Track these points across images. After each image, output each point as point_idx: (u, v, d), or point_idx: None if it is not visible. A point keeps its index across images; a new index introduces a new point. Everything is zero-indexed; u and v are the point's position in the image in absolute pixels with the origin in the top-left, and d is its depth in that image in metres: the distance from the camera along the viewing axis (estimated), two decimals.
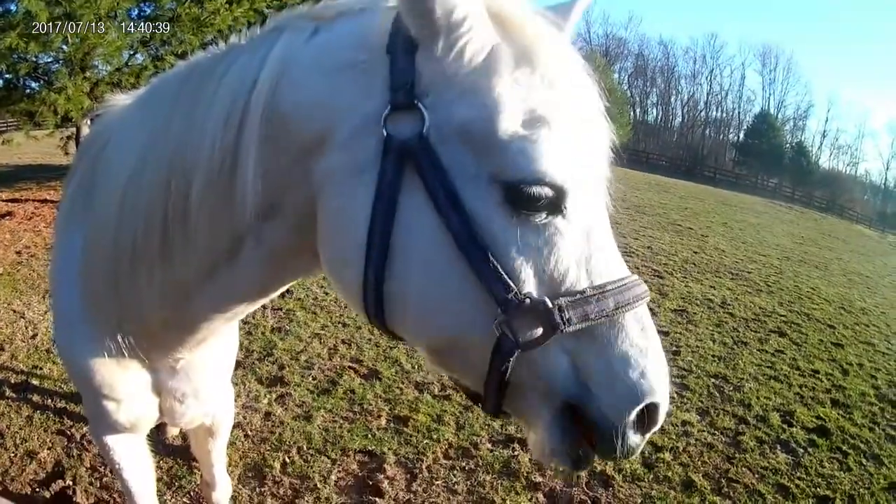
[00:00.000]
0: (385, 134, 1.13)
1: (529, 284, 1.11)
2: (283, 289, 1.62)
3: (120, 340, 1.67)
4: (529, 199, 1.09)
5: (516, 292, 1.09)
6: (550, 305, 1.09)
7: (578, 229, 1.15)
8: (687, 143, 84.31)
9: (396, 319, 1.23)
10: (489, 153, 1.10)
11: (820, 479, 4.41)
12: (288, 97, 1.23)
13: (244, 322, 5.72)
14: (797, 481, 4.34)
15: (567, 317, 1.09)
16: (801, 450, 4.79)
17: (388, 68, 1.14)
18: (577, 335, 1.13)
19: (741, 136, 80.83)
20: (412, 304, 1.19)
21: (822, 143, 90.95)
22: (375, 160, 1.14)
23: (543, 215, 1.12)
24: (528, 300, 1.09)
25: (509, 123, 1.09)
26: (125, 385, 1.85)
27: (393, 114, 1.13)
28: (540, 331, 1.10)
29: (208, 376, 1.98)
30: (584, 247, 1.16)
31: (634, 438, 1.16)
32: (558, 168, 1.10)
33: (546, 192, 1.09)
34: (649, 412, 1.16)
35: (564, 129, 1.13)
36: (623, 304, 1.13)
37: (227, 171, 1.29)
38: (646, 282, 1.21)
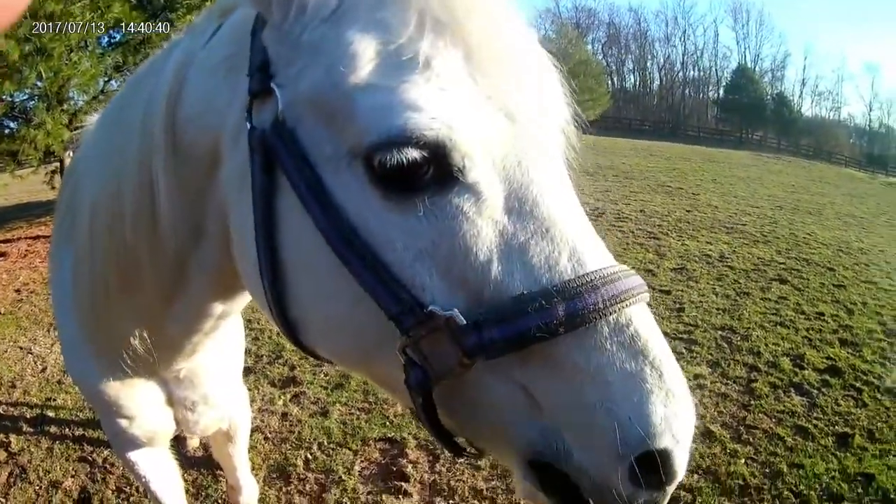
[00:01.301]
0: (248, 128, 0.95)
1: (435, 292, 0.85)
2: (247, 300, 1.52)
3: (118, 359, 1.66)
4: (399, 170, 0.83)
5: (412, 305, 0.84)
6: (461, 321, 0.82)
7: (497, 205, 0.86)
8: (668, 106, 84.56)
9: (310, 344, 1.04)
10: (344, 121, 0.87)
11: (837, 418, 4.44)
12: (184, 108, 1.12)
13: (250, 329, 5.73)
14: (815, 421, 4.36)
15: (489, 337, 0.81)
16: (815, 391, 4.82)
17: (249, 55, 0.98)
18: (526, 357, 0.84)
19: (721, 92, 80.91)
20: (313, 328, 1.00)
21: (802, 92, 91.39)
22: (247, 162, 0.97)
23: (428, 191, 0.85)
24: (431, 314, 0.84)
25: (361, 73, 0.85)
26: (135, 401, 1.86)
27: (254, 104, 0.96)
28: (455, 356, 0.83)
29: (214, 381, 1.98)
30: (513, 230, 0.86)
31: (644, 496, 0.86)
32: (436, 120, 0.82)
33: (415, 154, 0.82)
34: (661, 461, 0.84)
35: (457, 72, 0.86)
36: (591, 309, 0.82)
37: (147, 198, 1.20)
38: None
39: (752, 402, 4.63)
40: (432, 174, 0.84)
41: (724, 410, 4.49)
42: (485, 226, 0.85)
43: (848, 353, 5.61)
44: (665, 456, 0.83)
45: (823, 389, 4.87)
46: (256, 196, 0.95)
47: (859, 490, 3.61)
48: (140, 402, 1.87)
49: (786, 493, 3.56)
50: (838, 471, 3.79)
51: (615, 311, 0.84)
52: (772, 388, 4.87)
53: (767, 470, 3.79)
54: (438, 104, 0.83)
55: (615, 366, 0.83)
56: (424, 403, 0.88)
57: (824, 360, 5.39)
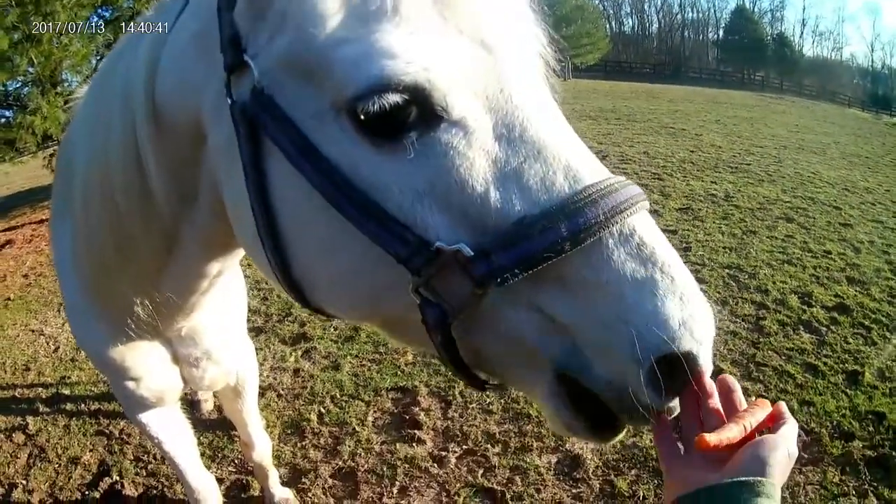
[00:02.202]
0: (230, 102, 0.97)
1: (439, 229, 0.86)
2: (241, 255, 1.54)
3: (120, 321, 1.69)
4: (383, 116, 0.84)
5: (419, 245, 0.85)
6: (469, 252, 0.84)
7: (486, 135, 0.88)
8: (668, 48, 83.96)
9: (317, 302, 1.05)
10: (322, 78, 0.89)
11: (846, 356, 4.41)
12: (160, 88, 1.13)
13: (258, 289, 5.78)
14: (824, 359, 4.35)
15: (497, 263, 0.83)
16: (824, 328, 4.80)
17: (218, 30, 0.99)
18: (539, 280, 0.85)
19: (720, 33, 79.89)
20: (320, 285, 1.01)
21: (802, 32, 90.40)
22: (233, 134, 0.98)
23: (415, 131, 0.86)
24: (438, 251, 0.85)
25: (331, 29, 0.87)
26: (140, 361, 1.89)
27: (232, 78, 0.97)
28: (468, 288, 0.85)
29: (216, 337, 2.00)
30: (505, 157, 0.87)
31: (669, 401, 0.89)
32: (412, 64, 0.83)
33: (396, 99, 0.83)
34: (687, 364, 0.84)
35: (425, 12, 0.87)
36: (594, 223, 0.83)
37: (134, 170, 1.22)
38: (646, 186, 0.91)
39: (762, 339, 4.62)
40: (417, 115, 0.85)
41: (734, 348, 4.49)
42: (477, 157, 0.87)
43: (856, 291, 5.55)
44: (690, 358, 0.84)
45: (832, 327, 4.83)
46: (247, 166, 0.96)
47: (870, 428, 3.60)
48: (146, 362, 1.90)
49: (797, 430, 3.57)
50: (849, 409, 3.78)
51: (618, 222, 0.85)
52: (780, 325, 4.85)
53: None
54: (411, 48, 0.84)
55: (626, 276, 0.84)
56: (444, 340, 0.90)
57: (832, 298, 5.35)
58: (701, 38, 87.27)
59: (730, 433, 0.89)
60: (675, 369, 0.84)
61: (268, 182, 0.96)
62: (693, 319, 0.84)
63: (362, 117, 0.85)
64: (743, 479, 0.82)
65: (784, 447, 0.87)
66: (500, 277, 0.83)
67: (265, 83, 0.93)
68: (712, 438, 0.87)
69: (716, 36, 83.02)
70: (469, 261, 0.83)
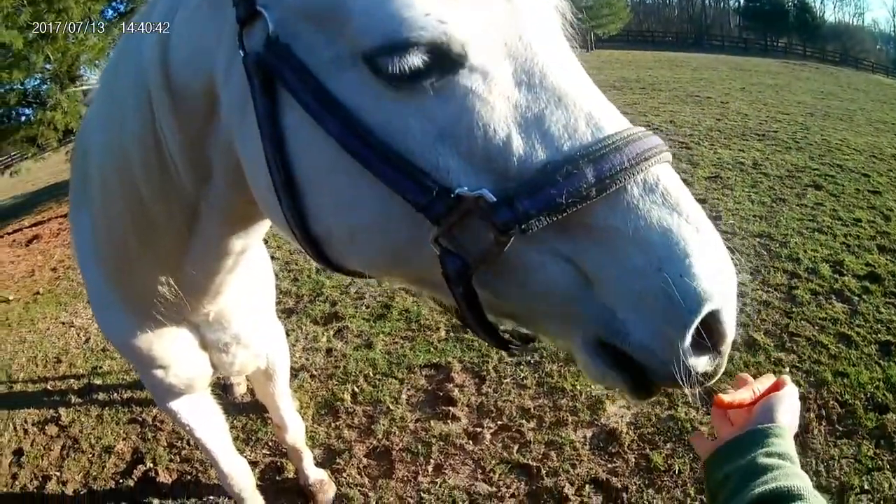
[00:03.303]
0: (243, 55, 0.94)
1: (460, 175, 0.84)
2: (264, 230, 1.53)
3: (146, 308, 1.68)
4: (401, 66, 0.83)
5: (439, 191, 0.83)
6: (491, 199, 0.81)
7: (506, 81, 0.86)
8: (689, 16, 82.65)
9: (336, 257, 1.03)
10: (340, 26, 0.87)
11: (879, 325, 4.32)
12: (174, 58, 1.12)
13: (289, 270, 5.81)
14: (857, 329, 4.26)
15: (521, 209, 0.80)
16: (856, 298, 4.70)
17: None
18: (565, 229, 0.84)
19: (742, 0, 78.13)
20: (339, 239, 0.99)
21: None
22: (247, 89, 0.97)
23: (434, 76, 0.84)
24: (459, 198, 0.83)
25: None
26: (168, 349, 1.88)
27: (244, 31, 0.95)
28: (490, 236, 0.83)
29: (244, 320, 1.98)
30: (526, 103, 0.85)
31: (701, 363, 0.86)
32: (430, 16, 0.82)
33: (415, 52, 0.82)
34: (713, 323, 0.84)
35: None
36: (619, 170, 0.81)
37: (153, 149, 1.21)
38: (674, 155, 0.95)
39: (794, 309, 4.55)
40: (437, 63, 0.83)
41: (767, 318, 4.42)
42: (497, 102, 0.85)
43: (887, 259, 5.43)
44: (716, 315, 0.83)
45: (864, 296, 4.73)
46: (261, 119, 0.94)
47: None
48: (173, 349, 1.90)
49: (831, 402, 3.51)
50: (882, 380, 3.69)
51: (642, 170, 0.83)
52: (813, 294, 4.77)
53: (812, 379, 3.73)
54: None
55: (653, 224, 0.82)
56: (465, 292, 0.88)
57: (864, 267, 5.23)
58: (722, 5, 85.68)
59: (741, 395, 1.12)
60: (708, 326, 0.83)
61: (284, 134, 0.94)
62: (720, 273, 0.83)
63: (376, 65, 0.84)
64: (756, 427, 1.03)
65: (788, 400, 1.09)
66: (523, 224, 0.80)
67: (280, 32, 0.91)
68: (726, 398, 1.12)
69: (737, 3, 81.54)
70: (491, 207, 0.81)
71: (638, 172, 0.82)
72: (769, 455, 0.96)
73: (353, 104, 0.87)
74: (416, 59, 0.82)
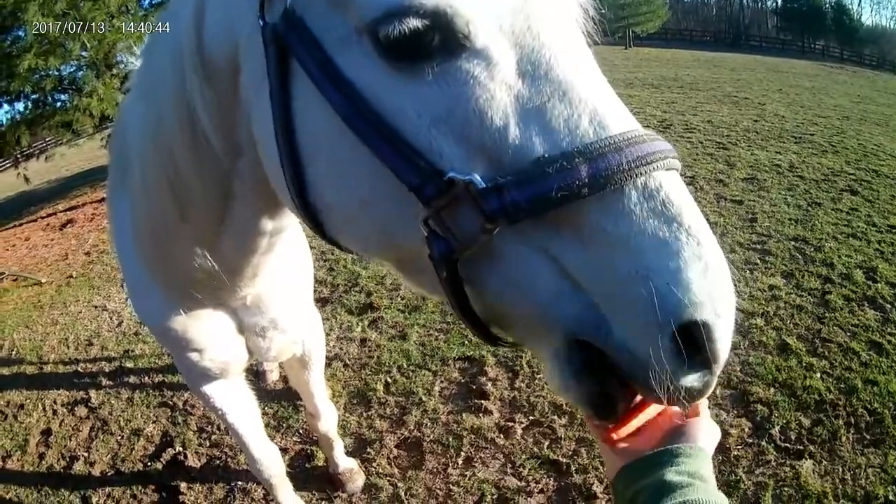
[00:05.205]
0: (262, 24, 0.96)
1: (454, 160, 0.84)
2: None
3: (185, 291, 1.70)
4: (404, 40, 0.82)
5: (431, 173, 0.83)
6: (480, 185, 0.81)
7: (509, 70, 0.84)
8: (727, 16, 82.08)
9: (332, 231, 1.05)
10: (347, 1, 0.88)
11: None
12: (207, 32, 1.12)
13: (324, 259, 5.85)
14: (889, 337, 4.17)
15: (510, 199, 0.79)
16: (889, 305, 4.60)
17: None
18: (556, 227, 0.83)
19: (779, 1, 77.07)
20: (335, 213, 1.00)
21: (861, 0, 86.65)
22: (263, 59, 0.98)
23: (437, 58, 0.84)
24: (450, 182, 0.83)
25: None
26: (204, 333, 1.89)
27: (266, 3, 0.96)
28: (477, 223, 0.83)
29: (282, 305, 1.99)
30: (528, 94, 0.84)
31: (688, 380, 0.83)
32: None
33: (417, 23, 0.81)
34: (706, 334, 0.79)
35: None
36: (616, 170, 0.79)
37: (189, 125, 1.23)
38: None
39: (827, 314, 4.47)
40: (439, 42, 0.83)
41: (800, 323, 4.36)
42: (498, 90, 0.83)
43: None
44: (707, 329, 0.79)
45: None
46: (273, 89, 0.96)
47: None
48: (209, 333, 1.91)
49: (860, 410, 3.45)
50: None
51: (643, 174, 0.80)
52: (846, 300, 4.68)
53: (842, 385, 3.67)
54: None
55: (647, 232, 0.79)
56: (449, 277, 0.88)
57: None
58: (760, 5, 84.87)
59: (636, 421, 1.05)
60: (697, 339, 0.79)
61: (291, 104, 0.96)
62: (716, 289, 0.80)
63: (383, 41, 0.83)
64: (667, 447, 0.99)
65: (705, 423, 1.05)
66: (511, 214, 0.80)
67: (296, 4, 0.92)
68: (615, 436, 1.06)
69: (774, 4, 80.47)
70: (480, 194, 0.80)
71: (638, 176, 0.80)
72: (679, 473, 0.93)
73: (357, 80, 0.88)
74: (417, 27, 0.81)
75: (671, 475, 0.93)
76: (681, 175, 0.87)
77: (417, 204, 0.85)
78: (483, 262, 0.87)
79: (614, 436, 1.04)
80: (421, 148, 0.84)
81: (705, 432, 1.03)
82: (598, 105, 0.84)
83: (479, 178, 0.81)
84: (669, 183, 0.82)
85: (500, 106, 0.83)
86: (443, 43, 0.83)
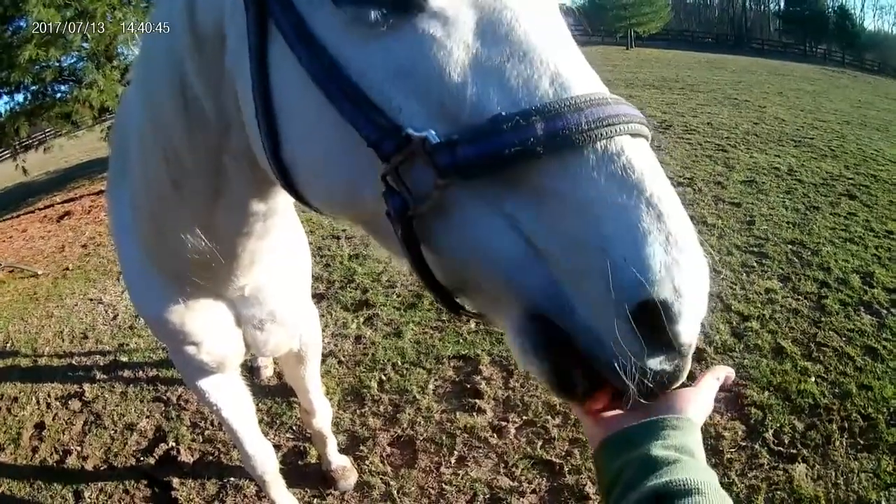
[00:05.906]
0: None
1: (412, 117, 0.84)
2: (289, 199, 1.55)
3: (180, 279, 1.69)
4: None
5: (390, 129, 0.83)
6: (434, 139, 0.80)
7: (467, 29, 0.84)
8: (729, 18, 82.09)
9: (301, 188, 1.06)
10: None
11: None
12: (199, 7, 1.13)
13: (321, 255, 5.85)
14: (884, 342, 4.18)
15: (462, 154, 0.78)
16: (885, 311, 4.61)
17: None
18: (513, 187, 0.81)
19: (782, 4, 77.15)
20: (301, 169, 1.02)
21: (863, 5, 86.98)
22: (244, 22, 1.00)
23: (394, 16, 0.84)
24: (408, 137, 0.82)
25: None
26: (201, 325, 1.88)
27: None
28: (430, 178, 0.82)
29: (280, 298, 1.98)
30: (487, 54, 0.83)
31: (653, 364, 0.79)
32: None
33: None
34: (665, 315, 0.74)
35: None
36: (574, 130, 0.76)
37: (179, 94, 1.23)
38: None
39: (823, 318, 4.48)
40: (396, 2, 0.83)
41: (796, 326, 4.37)
42: (456, 48, 0.83)
43: None
44: (667, 308, 0.74)
45: (892, 310, 4.64)
46: (252, 48, 0.98)
47: None
48: (206, 325, 1.90)
49: (854, 414, 3.45)
50: None
51: (603, 137, 0.77)
52: (842, 305, 4.69)
53: (837, 390, 3.67)
54: None
55: (605, 199, 0.76)
56: (405, 235, 0.87)
57: (893, 280, 5.13)
58: (762, 8, 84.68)
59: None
60: (657, 319, 0.74)
61: (268, 64, 0.97)
62: (678, 266, 0.74)
63: None
64: (653, 418, 0.90)
65: (703, 393, 0.97)
66: (463, 171, 0.79)
67: None
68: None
69: (777, 7, 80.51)
70: (434, 149, 0.79)
71: (598, 139, 0.77)
72: (666, 448, 0.88)
73: (323, 37, 0.89)
74: None
75: (657, 450, 0.88)
76: (651, 144, 0.85)
77: (377, 160, 0.85)
78: (438, 220, 0.86)
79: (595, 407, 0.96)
80: (381, 104, 0.85)
81: (695, 403, 0.95)
82: (560, 67, 0.82)
83: (434, 133, 0.80)
84: (632, 148, 0.79)
85: (457, 63, 0.82)
86: (400, 3, 0.83)
